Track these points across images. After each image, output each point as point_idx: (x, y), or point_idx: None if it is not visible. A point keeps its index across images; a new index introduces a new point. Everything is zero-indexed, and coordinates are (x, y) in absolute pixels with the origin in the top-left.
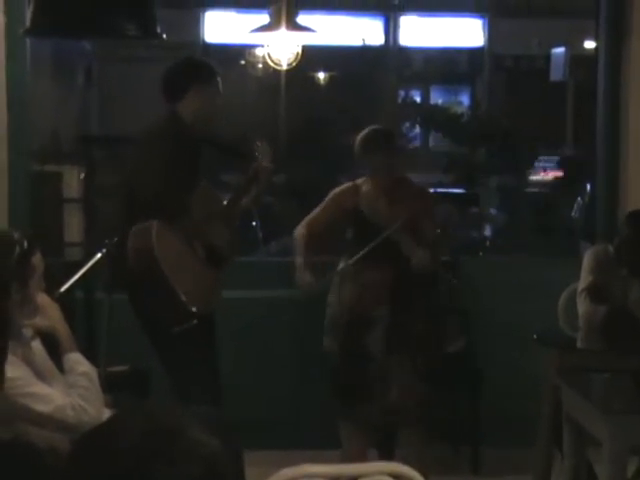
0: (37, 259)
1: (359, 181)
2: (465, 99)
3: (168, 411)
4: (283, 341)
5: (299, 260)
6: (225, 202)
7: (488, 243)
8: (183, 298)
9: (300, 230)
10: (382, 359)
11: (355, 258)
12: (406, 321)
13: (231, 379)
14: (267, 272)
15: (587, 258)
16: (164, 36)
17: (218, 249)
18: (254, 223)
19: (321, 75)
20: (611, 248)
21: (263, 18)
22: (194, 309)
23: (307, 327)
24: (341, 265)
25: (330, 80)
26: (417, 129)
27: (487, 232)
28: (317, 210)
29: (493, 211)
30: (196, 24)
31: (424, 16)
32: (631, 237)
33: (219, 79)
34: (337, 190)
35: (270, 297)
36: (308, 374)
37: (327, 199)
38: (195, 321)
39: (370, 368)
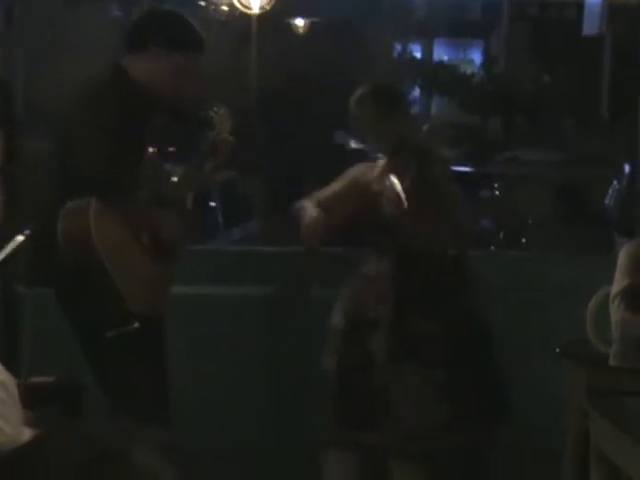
0: None
1: (379, 161)
2: (477, 56)
3: (113, 433)
4: (250, 350)
5: (307, 204)
6: (175, 179)
7: (502, 235)
8: (123, 295)
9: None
10: (389, 369)
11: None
12: (416, 320)
13: (185, 398)
14: (229, 263)
15: (623, 255)
16: None
17: (167, 237)
18: (213, 204)
19: (300, 22)
20: None
21: None
22: (136, 309)
23: (281, 333)
24: None
25: (312, 29)
26: (417, 92)
27: (501, 222)
28: (329, 187)
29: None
30: None
31: None
32: None
33: (198, 55)
34: (358, 166)
35: (234, 295)
36: (282, 394)
37: (344, 174)
38: (136, 324)
39: (374, 381)
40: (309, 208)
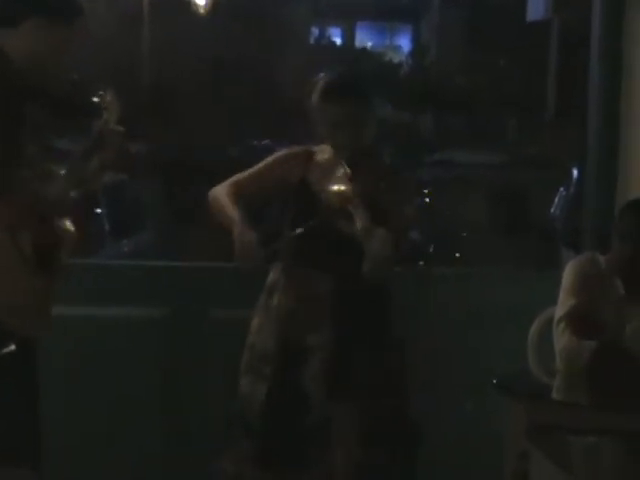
0: None
1: (315, 148)
2: (405, 43)
3: None
4: (141, 380)
5: (233, 213)
6: (57, 178)
7: (432, 248)
8: None
9: (221, 189)
10: (322, 405)
11: (297, 233)
12: (357, 351)
13: (61, 434)
14: (117, 280)
15: (568, 272)
16: None
17: (51, 246)
18: (99, 210)
19: (202, 1)
20: (602, 258)
21: None
22: (13, 328)
23: (176, 361)
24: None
25: (214, 9)
26: None
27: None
28: (248, 171)
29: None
30: None
31: None
32: (632, 238)
33: (81, 20)
34: (282, 153)
35: (121, 316)
36: (177, 430)
37: (265, 161)
38: (13, 346)
39: (309, 417)
40: (241, 225)
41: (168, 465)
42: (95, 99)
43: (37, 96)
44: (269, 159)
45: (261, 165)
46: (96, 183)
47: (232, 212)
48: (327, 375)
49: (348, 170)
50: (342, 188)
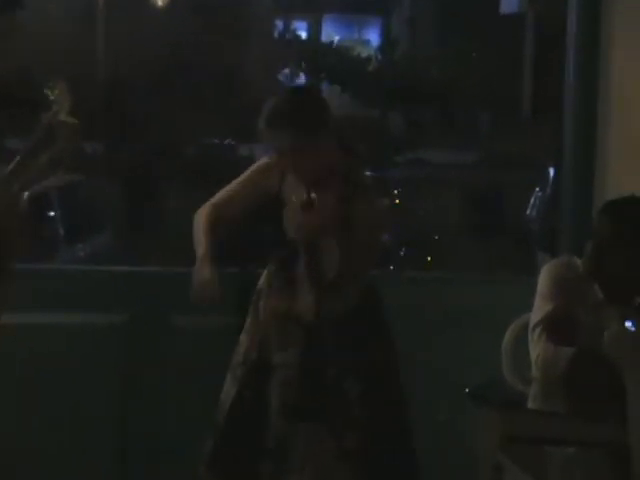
0: None
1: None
2: (374, 37)
3: None
4: (100, 387)
5: (200, 249)
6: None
7: (403, 251)
8: None
9: (204, 209)
10: (282, 424)
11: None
12: (321, 373)
13: (15, 450)
14: (73, 286)
15: (544, 276)
16: None
17: None
18: (52, 213)
19: None
20: (579, 262)
21: None
22: None
23: (133, 370)
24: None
25: (173, 2)
26: (301, 79)
27: (402, 237)
28: (231, 186)
29: None
30: None
31: None
32: (609, 241)
33: (17, 12)
34: (265, 161)
35: (77, 323)
36: (136, 436)
37: (249, 171)
38: None
39: (262, 432)
40: (201, 261)
41: (128, 472)
42: (45, 91)
43: None
44: (251, 169)
45: (241, 178)
46: (45, 178)
47: (200, 243)
48: (288, 394)
49: (304, 198)
50: (295, 220)
